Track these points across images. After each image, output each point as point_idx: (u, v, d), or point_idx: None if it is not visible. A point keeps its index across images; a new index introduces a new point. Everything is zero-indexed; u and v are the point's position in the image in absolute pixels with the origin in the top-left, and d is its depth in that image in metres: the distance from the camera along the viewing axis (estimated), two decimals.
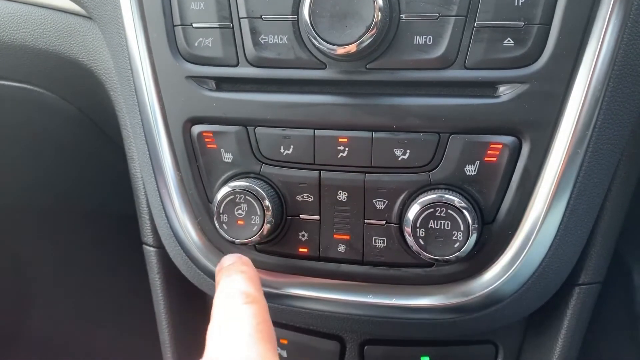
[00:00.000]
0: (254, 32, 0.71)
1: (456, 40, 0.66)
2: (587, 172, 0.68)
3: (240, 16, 0.71)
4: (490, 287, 0.71)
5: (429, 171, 0.70)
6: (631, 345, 1.22)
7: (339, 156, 0.72)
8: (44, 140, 1.30)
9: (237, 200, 0.73)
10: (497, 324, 0.80)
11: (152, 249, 0.96)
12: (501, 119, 0.67)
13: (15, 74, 1.03)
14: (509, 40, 0.65)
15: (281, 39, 0.70)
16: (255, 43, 0.71)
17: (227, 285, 0.64)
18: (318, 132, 0.72)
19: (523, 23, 0.64)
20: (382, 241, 0.73)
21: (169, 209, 0.81)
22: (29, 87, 1.05)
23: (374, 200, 0.72)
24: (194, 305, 0.99)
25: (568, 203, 0.69)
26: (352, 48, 0.65)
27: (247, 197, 0.72)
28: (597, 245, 0.78)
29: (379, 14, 0.63)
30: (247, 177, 0.75)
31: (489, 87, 0.68)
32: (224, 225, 0.74)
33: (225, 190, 0.74)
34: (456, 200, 0.67)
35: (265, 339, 0.56)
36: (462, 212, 0.67)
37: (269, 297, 0.79)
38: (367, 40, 0.64)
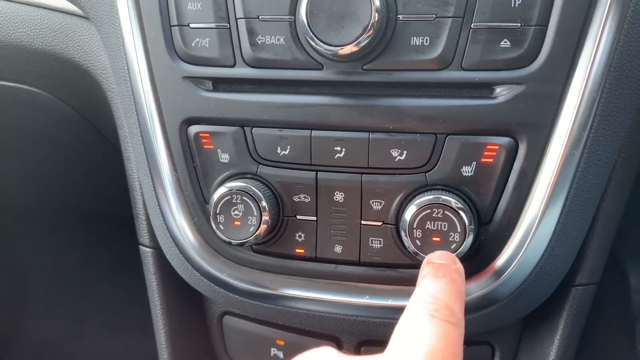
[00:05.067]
0: (251, 33, 0.71)
1: (453, 41, 0.66)
2: (583, 174, 0.68)
3: (238, 17, 0.71)
4: (487, 288, 0.71)
5: (426, 172, 0.70)
6: (627, 346, 1.23)
7: (336, 157, 0.72)
8: (40, 141, 1.30)
9: (233, 201, 0.73)
10: (493, 325, 0.80)
11: (148, 249, 0.96)
12: (498, 120, 0.67)
13: (11, 74, 1.03)
14: (505, 42, 0.65)
15: (278, 40, 0.70)
16: (252, 43, 0.71)
17: (432, 289, 0.56)
18: (315, 133, 0.72)
19: (520, 24, 0.64)
20: (378, 242, 0.73)
21: (166, 210, 0.81)
22: (25, 87, 1.05)
23: (370, 201, 0.72)
24: (190, 305, 0.99)
25: (564, 204, 0.69)
26: (349, 49, 0.65)
27: (243, 197, 0.72)
28: (594, 246, 0.78)
29: (376, 14, 0.63)
30: (244, 177, 0.75)
31: (485, 88, 0.68)
32: (221, 226, 0.74)
33: (221, 190, 0.73)
34: (453, 201, 0.67)
35: None
36: (459, 213, 0.67)
37: (266, 297, 0.80)
38: (364, 41, 0.64)
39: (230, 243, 0.75)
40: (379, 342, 0.88)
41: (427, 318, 0.52)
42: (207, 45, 0.73)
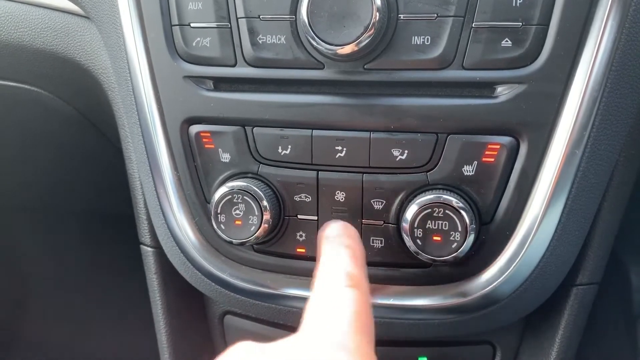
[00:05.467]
0: (252, 32, 0.71)
1: (454, 40, 0.66)
2: (584, 173, 0.68)
3: (238, 16, 0.71)
4: (488, 288, 0.71)
5: (427, 171, 0.70)
6: (628, 346, 1.22)
7: (337, 156, 0.72)
8: (41, 140, 1.30)
9: (234, 201, 0.73)
10: (494, 325, 0.80)
11: (149, 249, 0.96)
12: (499, 120, 0.67)
13: (12, 73, 1.03)
14: (506, 41, 0.65)
15: (279, 39, 0.70)
16: (253, 43, 0.71)
17: (332, 260, 0.61)
18: (316, 132, 0.72)
19: (521, 24, 0.64)
20: (379, 241, 0.73)
21: (167, 209, 0.81)
22: (26, 87, 1.05)
23: (371, 201, 0.72)
24: (191, 305, 0.99)
25: (566, 204, 0.69)
26: (350, 48, 0.65)
27: (244, 197, 0.72)
28: (595, 246, 0.78)
29: (377, 14, 0.63)
30: (245, 177, 0.75)
31: (486, 88, 0.68)
32: (222, 226, 0.74)
33: (222, 190, 0.73)
34: (454, 200, 0.67)
35: (364, 329, 0.52)
36: (460, 213, 0.67)
37: (267, 297, 0.80)
38: (365, 40, 0.64)
39: (231, 242, 0.75)
40: (380, 342, 0.88)
41: (332, 290, 0.55)
42: (208, 45, 0.73)
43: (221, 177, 0.77)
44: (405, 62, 0.68)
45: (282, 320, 0.85)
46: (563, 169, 0.67)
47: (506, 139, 0.67)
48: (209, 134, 0.76)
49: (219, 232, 0.74)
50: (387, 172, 0.71)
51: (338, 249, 0.63)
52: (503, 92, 0.66)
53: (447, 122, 0.68)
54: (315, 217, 0.75)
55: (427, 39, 0.66)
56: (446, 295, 0.73)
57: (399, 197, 0.71)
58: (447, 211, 0.67)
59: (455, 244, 0.67)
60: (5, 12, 0.96)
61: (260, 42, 0.71)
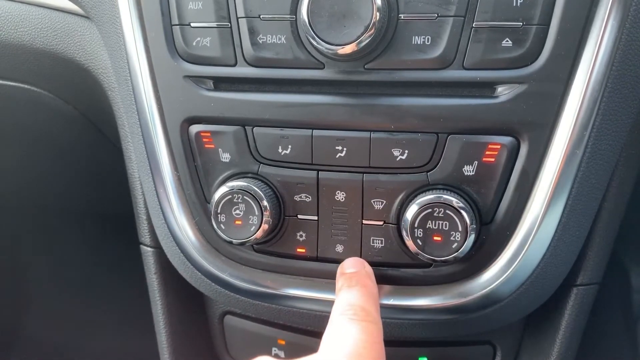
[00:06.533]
0: (252, 32, 0.71)
1: (454, 40, 0.66)
2: (585, 173, 0.68)
3: (239, 16, 0.71)
4: (488, 288, 0.71)
5: (427, 171, 0.70)
6: (628, 346, 1.22)
7: (337, 156, 0.72)
8: (41, 140, 1.30)
9: (234, 200, 0.73)
10: (495, 325, 0.80)
11: (149, 249, 0.96)
12: (499, 120, 0.67)
13: (12, 73, 1.03)
14: (507, 41, 0.65)
15: (279, 39, 0.70)
16: (254, 43, 0.71)
17: (348, 297, 0.66)
18: (316, 132, 0.72)
19: (521, 23, 0.64)
20: (380, 241, 0.73)
21: (167, 209, 0.81)
22: (26, 87, 1.05)
23: (372, 201, 0.72)
24: (191, 305, 0.99)
25: (566, 204, 0.69)
26: (350, 48, 0.65)
27: (244, 197, 0.72)
28: (595, 246, 0.78)
29: (378, 14, 0.63)
30: (245, 177, 0.75)
31: (487, 88, 0.67)
32: (222, 225, 0.74)
33: (223, 190, 0.73)
34: (454, 200, 0.67)
35: (375, 357, 0.58)
36: (460, 213, 0.67)
37: (267, 297, 0.80)
38: (365, 40, 0.64)
39: (231, 242, 0.75)
40: None
41: (347, 322, 0.61)
42: (208, 45, 0.73)
43: (221, 177, 0.76)
44: (405, 62, 0.68)
45: (283, 320, 0.85)
46: (563, 169, 0.67)
47: (507, 139, 0.67)
48: (209, 134, 0.76)
49: (219, 232, 0.74)
50: (387, 172, 0.71)
51: (354, 286, 0.68)
52: (503, 92, 0.66)
53: (448, 122, 0.68)
54: (316, 217, 0.75)
55: (428, 38, 0.66)
56: (446, 296, 0.73)
57: (400, 197, 0.71)
58: (447, 211, 0.67)
59: (456, 244, 0.67)
60: (5, 12, 0.96)
61: (260, 41, 0.71)
